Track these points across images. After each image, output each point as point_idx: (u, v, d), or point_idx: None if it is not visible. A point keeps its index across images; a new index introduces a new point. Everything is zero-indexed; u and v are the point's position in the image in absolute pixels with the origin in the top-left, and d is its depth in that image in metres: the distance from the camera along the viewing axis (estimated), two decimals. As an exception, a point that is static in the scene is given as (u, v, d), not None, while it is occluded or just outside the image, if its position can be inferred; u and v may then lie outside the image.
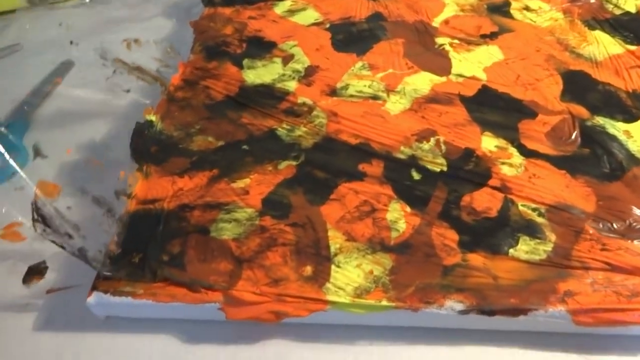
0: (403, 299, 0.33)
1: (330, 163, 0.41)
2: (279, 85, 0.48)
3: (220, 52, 0.52)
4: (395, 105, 0.46)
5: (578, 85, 0.47)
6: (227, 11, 0.57)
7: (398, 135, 0.43)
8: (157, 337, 0.36)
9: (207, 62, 0.50)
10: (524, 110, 0.45)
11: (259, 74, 0.49)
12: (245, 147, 0.43)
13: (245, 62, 0.50)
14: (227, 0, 0.59)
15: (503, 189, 0.39)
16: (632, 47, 0.50)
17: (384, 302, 0.33)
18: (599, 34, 0.52)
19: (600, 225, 0.36)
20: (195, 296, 0.34)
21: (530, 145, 0.42)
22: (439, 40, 0.52)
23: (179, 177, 0.40)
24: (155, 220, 0.38)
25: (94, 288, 0.35)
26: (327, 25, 0.54)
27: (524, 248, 0.35)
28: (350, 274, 0.35)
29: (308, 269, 0.35)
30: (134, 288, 0.34)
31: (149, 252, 0.36)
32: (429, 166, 0.41)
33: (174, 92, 0.48)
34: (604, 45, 0.51)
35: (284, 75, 0.49)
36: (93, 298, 0.34)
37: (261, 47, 0.52)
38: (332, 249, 0.36)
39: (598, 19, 0.54)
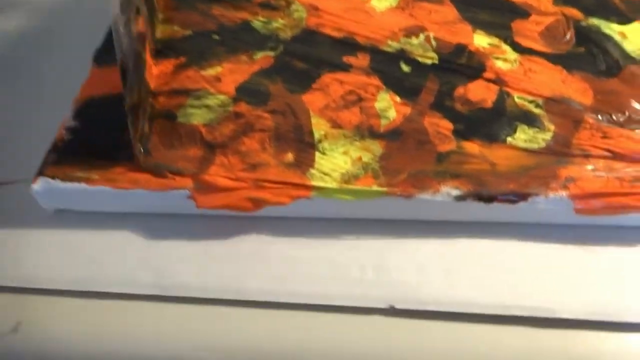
0: (395, 185, 0.30)
1: (312, 54, 0.37)
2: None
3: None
4: (382, 2, 0.42)
5: (570, -9, 0.45)
6: None
7: (385, 30, 0.39)
8: (116, 234, 0.31)
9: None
10: (516, 10, 0.42)
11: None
12: (216, 36, 0.38)
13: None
14: None
15: (498, 81, 0.36)
16: (622, -43, 0.49)
17: (375, 188, 0.30)
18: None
19: (600, 117, 0.34)
20: (161, 182, 0.30)
21: (525, 43, 0.39)
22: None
23: (140, 65, 0.36)
24: (112, 106, 0.33)
25: (40, 173, 0.30)
26: None
27: (522, 137, 0.33)
28: (337, 160, 0.31)
29: (289, 156, 0.31)
30: (88, 173, 0.30)
31: (106, 137, 0.31)
32: (419, 59, 0.38)
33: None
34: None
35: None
36: (39, 185, 0.30)
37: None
38: (317, 136, 0.32)
39: None
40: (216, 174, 0.30)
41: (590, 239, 0.32)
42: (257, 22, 0.40)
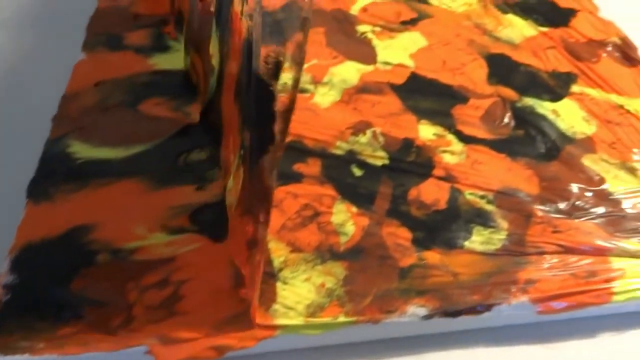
0: (362, 312, 0.30)
1: (262, 166, 0.37)
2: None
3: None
4: (325, 97, 0.42)
5: (502, 68, 0.47)
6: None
7: (332, 130, 0.39)
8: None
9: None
10: (455, 96, 0.43)
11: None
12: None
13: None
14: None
15: (448, 178, 0.37)
16: (545, 29, 0.51)
17: (342, 318, 0.29)
18: (512, 17, 0.53)
19: (547, 207, 0.36)
20: (115, 340, 0.28)
21: (467, 130, 0.41)
22: (360, 28, 0.50)
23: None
24: (54, 251, 0.31)
25: (-22, 349, 0.27)
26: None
27: (479, 239, 0.33)
28: (300, 289, 0.30)
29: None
30: (32, 341, 0.27)
31: (48, 292, 0.29)
32: (370, 160, 0.37)
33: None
34: (518, 28, 0.51)
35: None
36: (-24, 363, 0.27)
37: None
38: (276, 264, 0.31)
39: (509, 3, 0.55)
40: (177, 325, 0.28)
41: (553, 335, 0.32)
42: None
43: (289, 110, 0.27)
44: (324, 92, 0.43)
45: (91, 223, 0.32)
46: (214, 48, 0.36)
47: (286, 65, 0.27)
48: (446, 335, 0.31)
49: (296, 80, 0.27)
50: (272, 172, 0.27)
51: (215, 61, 0.36)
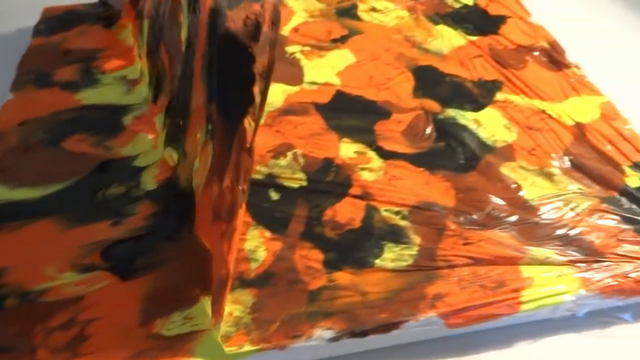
0: (268, 339, 0.30)
1: (179, 196, 0.37)
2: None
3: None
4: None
5: (428, 80, 0.47)
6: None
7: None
8: None
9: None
10: (378, 111, 0.44)
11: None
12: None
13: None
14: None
15: (365, 196, 0.37)
16: (473, 38, 0.52)
17: (247, 347, 0.29)
18: (442, 28, 0.53)
19: (462, 219, 0.36)
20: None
21: (388, 146, 0.41)
22: (289, 48, 0.50)
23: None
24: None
25: None
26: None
27: (390, 256, 0.34)
28: (210, 319, 0.30)
29: (157, 324, 0.30)
30: None
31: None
32: (287, 183, 0.38)
33: None
34: (448, 39, 0.52)
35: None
36: None
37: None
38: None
39: (440, 13, 0.55)
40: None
41: (469, 347, 0.32)
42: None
43: (269, 70, 0.27)
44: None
45: (1, 267, 0.32)
46: (184, 33, 0.36)
47: (264, 26, 0.27)
48: (355, 356, 0.32)
49: (274, 41, 0.27)
50: (253, 135, 0.27)
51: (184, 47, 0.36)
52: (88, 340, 0.29)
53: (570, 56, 0.51)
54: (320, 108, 0.44)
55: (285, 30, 0.53)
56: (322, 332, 0.30)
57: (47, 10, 0.55)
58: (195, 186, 0.33)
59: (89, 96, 0.45)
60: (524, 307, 0.32)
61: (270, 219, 0.36)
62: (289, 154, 0.40)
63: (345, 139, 0.41)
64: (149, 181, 0.38)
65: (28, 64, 0.48)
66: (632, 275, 0.33)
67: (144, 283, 0.32)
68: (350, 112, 0.44)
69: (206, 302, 0.31)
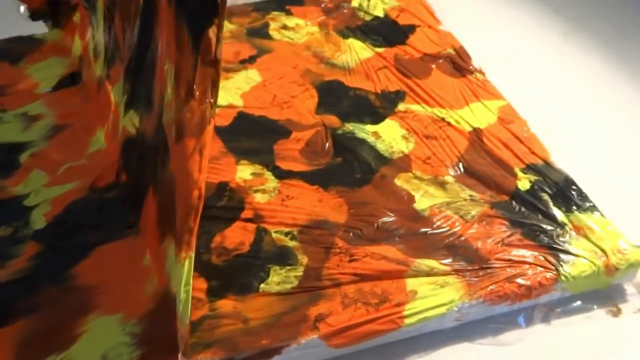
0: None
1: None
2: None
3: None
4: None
5: (332, 95, 0.47)
6: None
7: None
8: None
9: None
10: (279, 131, 0.44)
11: None
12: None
13: None
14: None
15: (256, 218, 0.37)
16: (381, 50, 0.52)
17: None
18: (352, 41, 0.54)
19: (351, 235, 0.36)
20: None
21: (285, 165, 0.41)
22: (197, 73, 0.50)
23: None
24: None
25: None
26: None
27: (275, 279, 0.33)
28: (83, 361, 0.30)
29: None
30: None
31: None
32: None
33: None
34: (355, 52, 0.52)
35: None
36: None
37: None
38: (61, 337, 0.31)
39: (351, 27, 0.56)
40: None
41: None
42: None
43: None
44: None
45: None
46: None
47: None
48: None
49: None
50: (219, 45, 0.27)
51: None
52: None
53: (478, 60, 0.52)
54: (220, 131, 0.44)
55: (195, 54, 0.53)
56: (200, 364, 0.30)
57: (-46, 47, 0.55)
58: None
59: (-13, 135, 0.45)
60: (407, 320, 0.32)
61: (158, 249, 0.35)
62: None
63: (243, 161, 0.41)
64: (38, 220, 0.37)
65: None
66: (517, 280, 0.33)
67: (18, 328, 0.31)
68: (250, 133, 0.44)
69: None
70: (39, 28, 0.57)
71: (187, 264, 0.28)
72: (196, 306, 0.32)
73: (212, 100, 0.29)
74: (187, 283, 0.28)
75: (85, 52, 0.47)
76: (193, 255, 0.29)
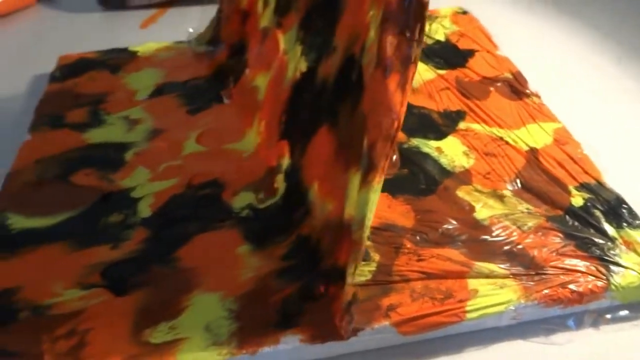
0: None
1: None
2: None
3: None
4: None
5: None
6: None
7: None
8: None
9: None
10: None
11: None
12: None
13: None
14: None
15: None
16: (442, 72, 0.57)
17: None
18: (415, 63, 0.58)
19: (417, 238, 0.40)
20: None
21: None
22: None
23: None
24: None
25: None
26: None
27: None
28: None
29: (146, 333, 0.35)
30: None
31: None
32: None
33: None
34: (419, 73, 0.57)
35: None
36: None
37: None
38: None
39: (414, 49, 0.60)
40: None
41: (424, 353, 0.36)
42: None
43: None
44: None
45: (17, 285, 0.37)
46: None
47: None
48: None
49: None
50: None
51: None
52: (87, 347, 0.34)
53: (534, 84, 0.56)
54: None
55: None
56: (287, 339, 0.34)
57: (62, 58, 0.62)
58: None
59: (95, 135, 0.51)
60: (468, 315, 0.35)
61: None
62: (268, 183, 0.45)
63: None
64: (144, 210, 0.43)
65: (44, 107, 0.55)
66: (570, 286, 0.37)
67: (135, 298, 0.37)
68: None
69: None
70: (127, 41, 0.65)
71: (379, 188, 0.33)
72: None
73: (418, 39, 0.32)
74: (373, 204, 0.33)
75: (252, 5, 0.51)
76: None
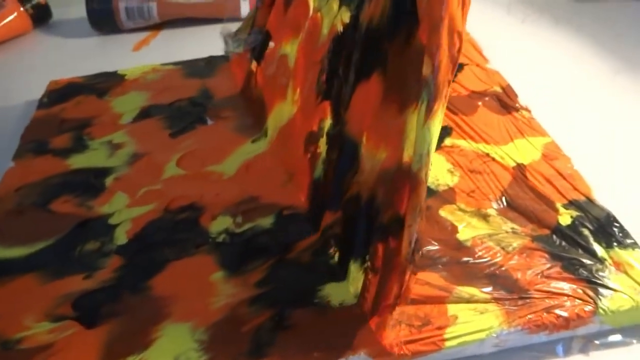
0: None
1: None
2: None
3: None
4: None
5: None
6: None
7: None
8: None
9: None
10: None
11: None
12: None
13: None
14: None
15: (310, 243, 0.41)
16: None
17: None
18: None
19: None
20: None
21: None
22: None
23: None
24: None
25: None
26: None
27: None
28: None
29: (115, 367, 0.34)
30: None
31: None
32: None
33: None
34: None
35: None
36: None
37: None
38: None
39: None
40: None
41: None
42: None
43: None
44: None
45: (-12, 318, 0.37)
46: None
47: None
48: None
49: None
50: None
51: None
52: (53, 383, 0.33)
53: (525, 98, 0.54)
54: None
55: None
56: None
57: (52, 83, 0.63)
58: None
59: (77, 161, 0.51)
60: (447, 343, 0.34)
61: (223, 267, 0.40)
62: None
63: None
64: (121, 236, 0.43)
65: (30, 134, 0.55)
66: (556, 311, 0.35)
67: (105, 330, 0.36)
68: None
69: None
70: (120, 65, 0.65)
71: (442, 118, 0.32)
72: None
73: None
74: (436, 136, 0.32)
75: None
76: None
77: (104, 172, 0.49)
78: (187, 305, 0.37)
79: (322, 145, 0.42)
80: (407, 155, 0.33)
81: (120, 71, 0.63)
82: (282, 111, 0.48)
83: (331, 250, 0.39)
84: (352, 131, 0.39)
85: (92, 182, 0.48)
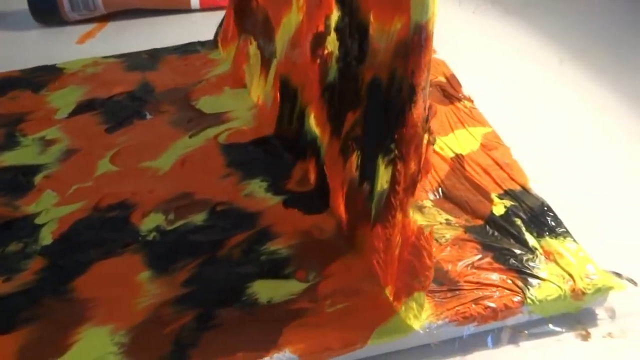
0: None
1: None
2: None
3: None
4: None
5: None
6: None
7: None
8: None
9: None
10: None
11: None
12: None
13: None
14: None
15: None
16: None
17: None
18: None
19: (329, 256, 0.38)
20: None
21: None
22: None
23: None
24: None
25: None
26: None
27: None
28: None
29: (29, 374, 0.32)
30: None
31: None
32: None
33: None
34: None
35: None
36: None
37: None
38: None
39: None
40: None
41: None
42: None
43: None
44: None
45: None
46: None
47: None
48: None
49: None
50: None
51: None
52: (-39, 392, 0.32)
53: (471, 88, 0.54)
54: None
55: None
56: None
57: (-14, 78, 0.60)
58: None
59: (6, 158, 0.49)
60: (370, 342, 0.33)
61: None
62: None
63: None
64: (46, 237, 0.41)
65: (-40, 132, 0.53)
66: (484, 302, 0.34)
67: (21, 335, 0.34)
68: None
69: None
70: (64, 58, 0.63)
71: None
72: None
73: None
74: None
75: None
76: None
77: (33, 169, 0.47)
78: (111, 307, 0.36)
79: (332, 43, 0.39)
80: (413, 20, 0.30)
81: (59, 64, 0.61)
82: (290, 23, 0.44)
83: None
84: (363, 14, 0.35)
85: (19, 181, 0.46)
